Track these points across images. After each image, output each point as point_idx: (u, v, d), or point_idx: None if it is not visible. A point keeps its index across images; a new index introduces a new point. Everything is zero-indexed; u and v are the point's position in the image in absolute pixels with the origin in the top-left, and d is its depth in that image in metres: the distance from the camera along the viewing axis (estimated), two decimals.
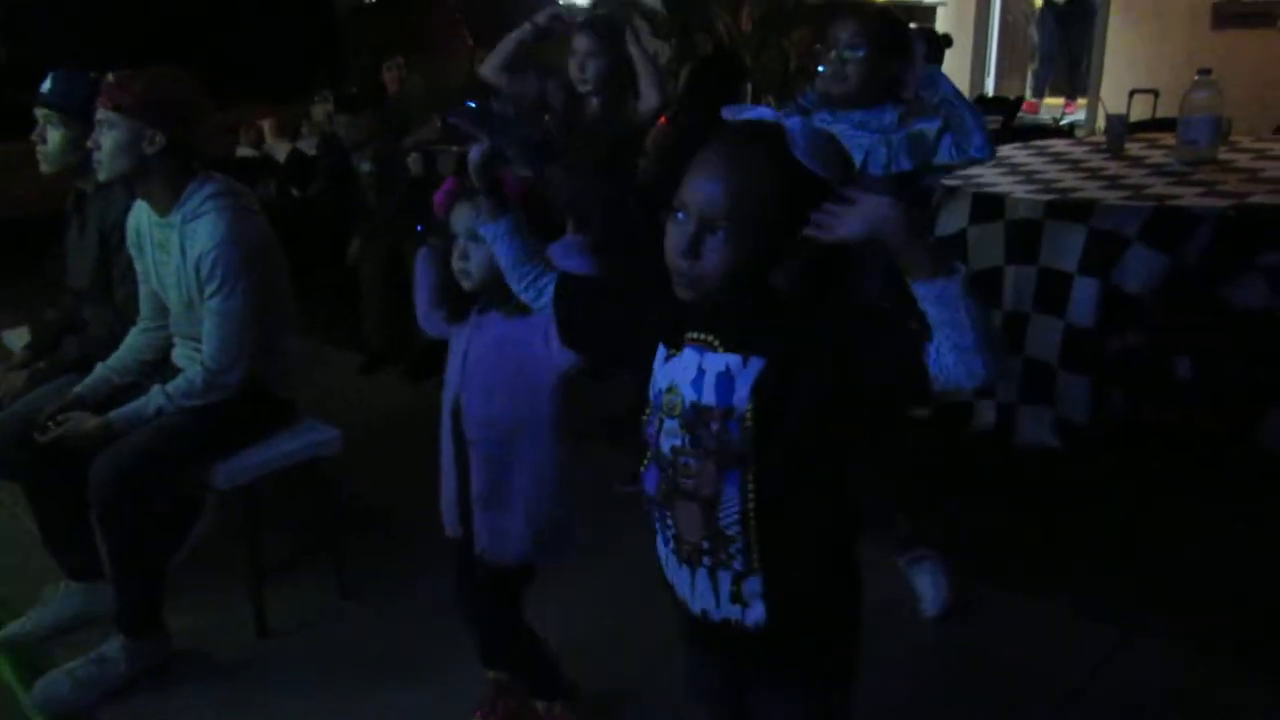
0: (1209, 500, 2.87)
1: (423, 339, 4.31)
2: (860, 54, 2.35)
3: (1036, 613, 2.50)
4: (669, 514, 1.35)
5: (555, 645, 2.10)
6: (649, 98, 3.03)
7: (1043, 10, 7.69)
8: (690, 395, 1.30)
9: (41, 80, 2.61)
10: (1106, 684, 2.26)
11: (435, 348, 3.67)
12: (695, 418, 1.29)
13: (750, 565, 1.31)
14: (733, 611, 1.34)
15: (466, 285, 1.80)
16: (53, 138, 2.58)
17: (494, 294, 1.79)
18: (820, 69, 2.42)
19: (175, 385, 2.37)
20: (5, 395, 2.60)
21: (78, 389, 2.47)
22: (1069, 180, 3.34)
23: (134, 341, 2.58)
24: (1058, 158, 3.78)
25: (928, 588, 2.49)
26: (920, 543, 2.53)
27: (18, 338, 3.10)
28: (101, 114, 2.27)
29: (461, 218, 1.76)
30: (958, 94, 2.30)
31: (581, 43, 3.01)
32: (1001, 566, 2.66)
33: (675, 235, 1.24)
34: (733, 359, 1.27)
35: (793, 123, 1.20)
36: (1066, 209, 3.01)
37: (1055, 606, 2.50)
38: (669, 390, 1.33)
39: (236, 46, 7.24)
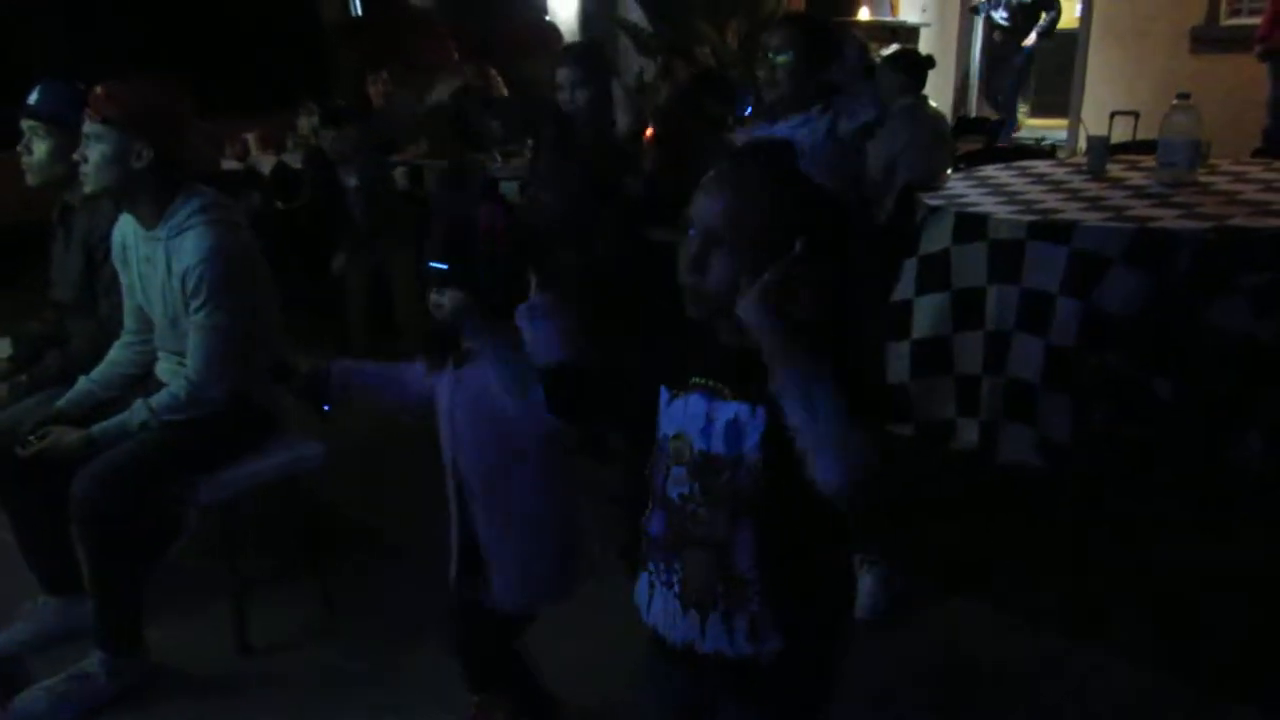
0: (1185, 517, 2.90)
1: (406, 353, 4.36)
2: (788, 57, 2.41)
3: (1016, 633, 2.51)
4: (676, 560, 1.34)
5: (539, 661, 2.09)
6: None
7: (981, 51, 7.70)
8: (699, 444, 1.29)
9: (26, 91, 2.60)
10: (1088, 702, 2.28)
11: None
12: (705, 467, 1.29)
13: (768, 603, 1.31)
14: (746, 648, 1.33)
15: (438, 315, 1.79)
16: (39, 149, 2.57)
17: (470, 341, 1.80)
18: (760, 76, 2.50)
19: (158, 399, 2.35)
20: None
21: (60, 403, 2.45)
22: (1051, 201, 3.36)
23: (117, 355, 2.56)
24: (1040, 178, 3.81)
25: (868, 592, 2.56)
26: (875, 547, 2.61)
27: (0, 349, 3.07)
28: (89, 126, 2.26)
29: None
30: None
31: (564, 74, 3.04)
32: (977, 579, 2.68)
33: (683, 252, 1.27)
34: (742, 408, 1.26)
35: (799, 136, 1.23)
36: (1048, 230, 3.02)
37: (1033, 625, 2.51)
38: (676, 438, 1.32)
39: (223, 58, 7.25)
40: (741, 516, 1.27)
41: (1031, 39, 7.37)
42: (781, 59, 2.43)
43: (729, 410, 1.27)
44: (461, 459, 1.85)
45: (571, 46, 3.29)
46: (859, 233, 1.21)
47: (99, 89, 2.29)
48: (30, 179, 2.61)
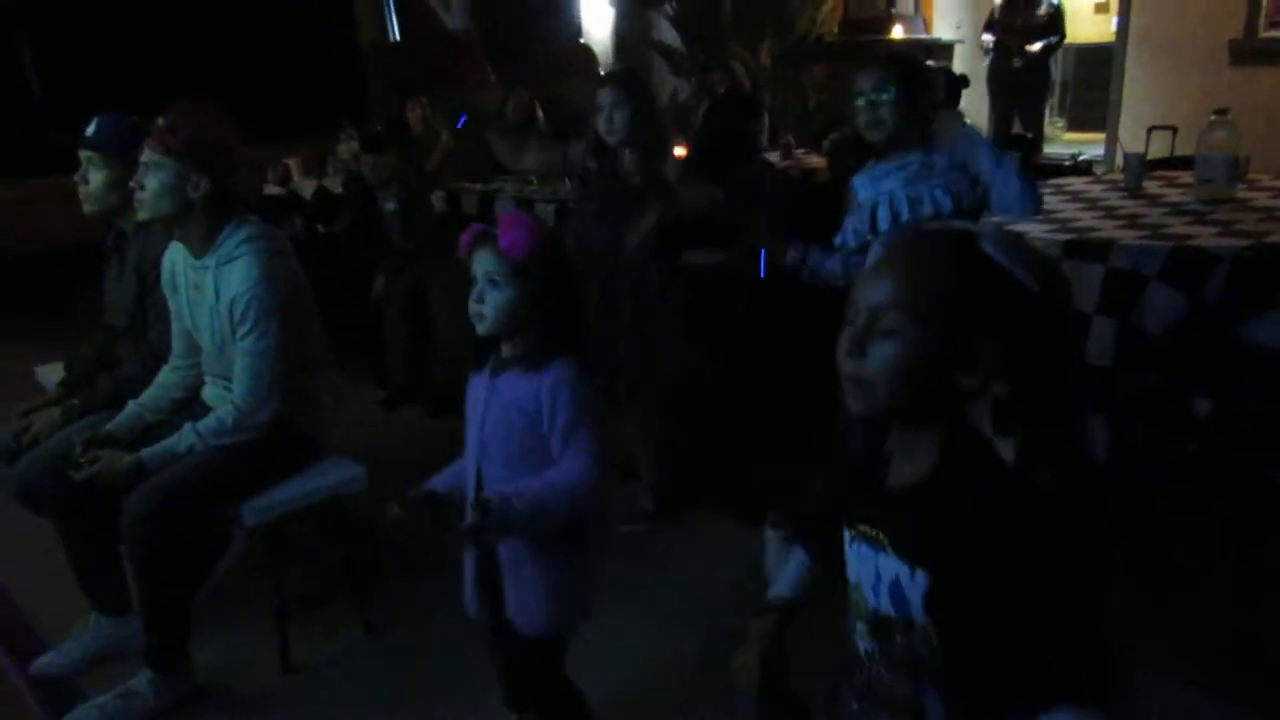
0: (1228, 538, 2.87)
1: (444, 375, 4.41)
2: (889, 95, 2.43)
3: None
4: (872, 714, 1.21)
5: (585, 685, 2.08)
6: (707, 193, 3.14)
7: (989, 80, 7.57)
8: (871, 601, 1.17)
9: (77, 119, 2.69)
10: None
11: (458, 385, 3.70)
12: (879, 626, 1.16)
13: None
14: None
15: (480, 329, 1.80)
16: (95, 179, 2.65)
17: (507, 348, 1.81)
18: (862, 120, 2.51)
19: (206, 424, 2.41)
20: (40, 431, 2.66)
21: (110, 425, 2.52)
22: (1086, 219, 3.36)
23: (165, 379, 2.63)
24: (1075, 196, 3.81)
25: None
26: None
27: (51, 373, 3.15)
28: (149, 155, 2.34)
29: (482, 261, 1.77)
30: (997, 157, 2.39)
31: (605, 96, 3.05)
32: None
33: (843, 339, 1.12)
34: (902, 568, 1.12)
35: (988, 229, 1.08)
36: (1084, 248, 3.02)
37: None
38: (855, 588, 1.20)
39: (263, 84, 7.40)
40: (924, 684, 1.14)
41: (1022, 59, 7.25)
42: (885, 96, 2.45)
43: (891, 568, 1.13)
44: (486, 467, 1.85)
45: (611, 71, 3.32)
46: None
47: (162, 121, 2.36)
48: (86, 207, 2.69)
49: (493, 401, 1.83)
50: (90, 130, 2.64)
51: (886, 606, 1.14)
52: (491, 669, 2.09)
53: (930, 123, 2.52)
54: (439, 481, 1.91)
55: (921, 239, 1.17)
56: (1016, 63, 7.19)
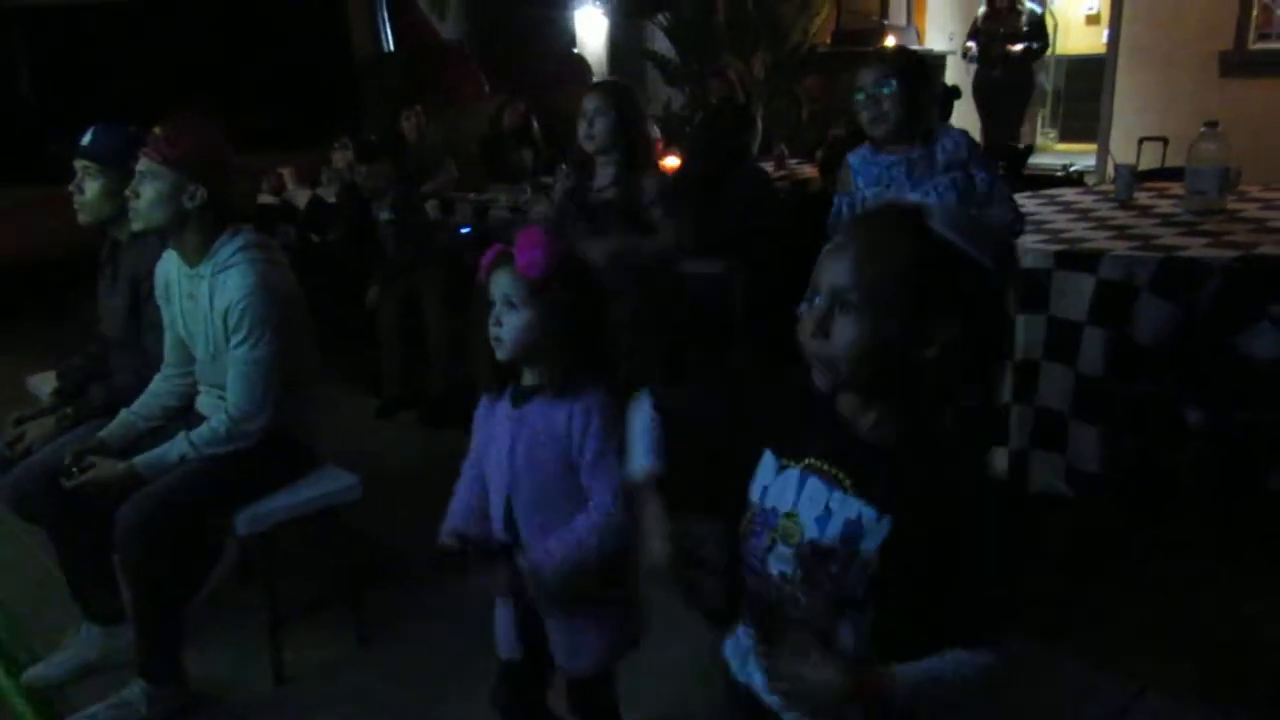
0: (1217, 547, 2.88)
1: (439, 384, 4.42)
2: (891, 89, 2.46)
3: (1047, 662, 2.50)
4: (773, 634, 1.27)
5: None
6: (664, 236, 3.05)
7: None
8: (812, 532, 1.22)
9: (73, 128, 2.69)
10: None
11: (452, 393, 3.68)
12: (813, 556, 1.22)
13: None
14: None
15: (499, 354, 1.71)
16: (91, 188, 2.64)
17: (529, 375, 1.74)
18: (864, 116, 2.54)
19: (199, 433, 2.41)
20: (34, 440, 2.65)
21: (102, 433, 2.52)
22: (1078, 230, 3.37)
23: (158, 388, 2.63)
24: (1067, 207, 3.83)
25: None
26: None
27: (44, 382, 3.15)
28: (145, 165, 2.34)
29: (500, 283, 1.69)
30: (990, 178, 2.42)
31: (590, 101, 3.06)
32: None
33: (806, 319, 1.18)
34: (866, 511, 1.19)
35: (931, 201, 1.17)
36: (1075, 259, 3.04)
37: (1063, 655, 2.50)
38: (788, 516, 1.24)
39: (258, 94, 7.40)
40: (845, 613, 1.21)
41: (1003, 66, 7.28)
42: (887, 90, 2.48)
43: (851, 508, 1.20)
44: (516, 501, 1.76)
45: (599, 81, 3.31)
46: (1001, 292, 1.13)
47: (160, 131, 2.37)
48: (81, 217, 2.69)
49: (520, 433, 1.74)
50: (87, 140, 2.64)
51: (833, 539, 1.20)
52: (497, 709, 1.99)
53: (930, 117, 2.55)
54: (458, 519, 1.84)
55: (875, 219, 1.23)
56: (996, 71, 7.21)
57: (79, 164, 2.64)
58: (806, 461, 1.25)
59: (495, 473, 1.79)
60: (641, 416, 1.48)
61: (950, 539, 1.16)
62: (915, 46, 8.68)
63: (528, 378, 1.75)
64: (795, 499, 1.24)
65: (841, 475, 1.21)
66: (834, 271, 1.16)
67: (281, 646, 2.61)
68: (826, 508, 1.21)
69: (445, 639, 2.67)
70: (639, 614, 1.87)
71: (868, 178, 2.63)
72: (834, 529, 1.20)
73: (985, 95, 7.47)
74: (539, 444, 1.73)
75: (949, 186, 2.43)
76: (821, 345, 1.16)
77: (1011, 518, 1.17)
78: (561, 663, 1.84)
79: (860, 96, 2.51)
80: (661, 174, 3.14)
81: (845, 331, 1.15)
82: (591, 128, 3.04)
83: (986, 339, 1.17)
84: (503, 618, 1.89)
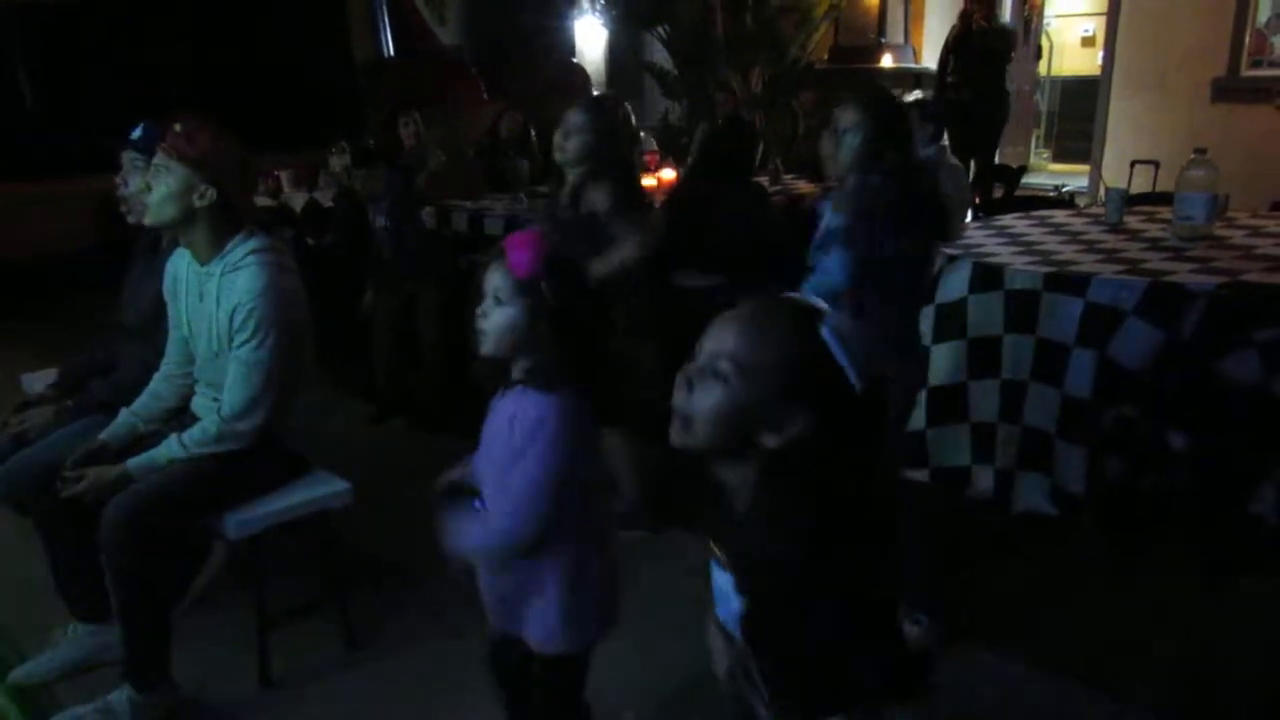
0: (1204, 569, 2.91)
1: (430, 390, 4.43)
2: (857, 137, 2.49)
3: (1027, 678, 2.53)
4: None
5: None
6: (626, 247, 3.04)
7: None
8: (721, 614, 1.33)
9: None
10: None
11: (444, 399, 3.68)
12: (726, 638, 1.35)
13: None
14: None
15: (483, 347, 1.75)
16: (137, 183, 2.66)
17: (516, 370, 1.76)
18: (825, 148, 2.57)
19: (190, 434, 2.42)
20: (32, 429, 2.67)
21: (103, 435, 2.52)
22: (1067, 252, 3.41)
23: (158, 388, 2.64)
24: (1058, 229, 3.87)
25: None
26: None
27: (38, 380, 3.16)
28: (161, 159, 2.36)
29: (492, 278, 1.73)
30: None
31: (572, 116, 3.09)
32: (996, 631, 2.69)
33: (680, 373, 1.24)
34: (731, 588, 1.28)
35: (835, 316, 1.19)
36: (1064, 281, 3.08)
37: (1044, 673, 2.53)
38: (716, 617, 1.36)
39: (258, 97, 7.42)
40: (755, 695, 1.30)
41: (972, 90, 7.11)
42: (851, 139, 2.50)
43: (727, 585, 1.28)
44: (480, 479, 1.82)
45: (591, 99, 3.33)
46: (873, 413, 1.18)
47: (179, 127, 2.38)
48: (131, 216, 2.71)
49: (493, 419, 1.80)
50: (136, 133, 2.65)
51: (729, 621, 1.27)
52: (492, 689, 2.02)
53: (886, 161, 2.56)
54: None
55: (772, 305, 1.25)
56: (966, 94, 7.02)
57: (127, 156, 2.65)
58: (711, 546, 1.31)
59: (477, 465, 1.86)
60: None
61: (796, 614, 1.19)
62: (911, 65, 8.75)
63: (515, 372, 1.79)
64: (717, 594, 1.32)
65: (721, 554, 1.28)
66: (717, 337, 1.21)
67: (269, 650, 2.62)
68: (720, 588, 1.29)
69: (433, 644, 2.68)
70: (609, 599, 1.89)
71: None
72: (725, 609, 1.29)
73: (957, 117, 7.36)
74: (500, 429, 1.77)
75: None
76: (684, 399, 1.21)
77: (829, 601, 1.17)
78: (530, 637, 1.86)
79: (837, 134, 2.54)
80: (614, 183, 3.11)
81: (706, 393, 1.20)
82: (565, 141, 3.08)
83: (836, 443, 1.20)
84: (485, 585, 1.91)
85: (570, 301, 1.74)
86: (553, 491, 1.69)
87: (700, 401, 1.20)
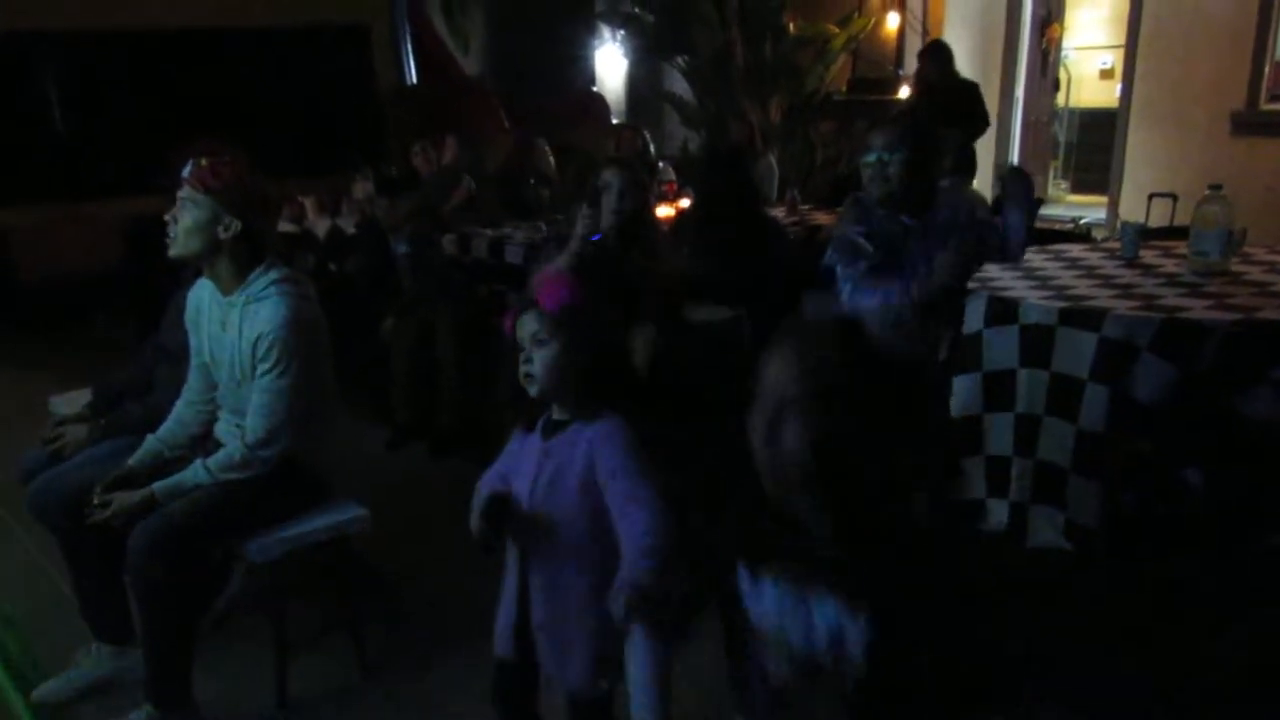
0: (1220, 604, 2.90)
1: (449, 417, 4.47)
2: (900, 155, 2.52)
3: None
4: None
5: None
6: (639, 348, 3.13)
7: None
8: (798, 641, 1.37)
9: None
10: None
11: (461, 425, 3.71)
12: (807, 664, 1.39)
13: None
14: None
15: (533, 390, 1.81)
16: None
17: (558, 410, 1.83)
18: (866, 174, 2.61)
19: (215, 459, 2.47)
20: (66, 446, 2.72)
21: (131, 461, 2.57)
22: (1082, 287, 3.42)
23: (181, 414, 2.69)
24: (1073, 263, 3.87)
25: None
26: None
27: (66, 403, 3.21)
28: (187, 192, 2.42)
29: (526, 325, 1.80)
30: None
31: (616, 178, 3.28)
32: (1016, 670, 2.69)
33: (755, 424, 1.32)
34: (844, 612, 1.33)
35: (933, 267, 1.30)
36: (1078, 317, 3.09)
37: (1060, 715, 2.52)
38: (779, 630, 1.40)
39: (282, 123, 7.53)
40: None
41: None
42: (896, 155, 2.55)
43: (828, 612, 1.29)
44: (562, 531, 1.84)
45: (618, 159, 3.57)
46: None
47: (204, 161, 2.45)
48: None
49: (546, 465, 1.84)
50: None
51: (820, 644, 1.33)
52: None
53: (932, 185, 2.60)
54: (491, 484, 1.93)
55: (823, 335, 1.34)
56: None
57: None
58: (777, 566, 1.36)
59: (518, 493, 1.87)
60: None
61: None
62: None
63: (557, 412, 1.85)
64: (777, 614, 1.36)
65: (812, 576, 1.33)
66: (781, 380, 1.27)
67: (286, 672, 2.65)
68: (807, 617, 1.33)
69: (446, 669, 2.70)
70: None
71: (868, 225, 2.68)
72: (819, 635, 1.32)
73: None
74: (561, 474, 1.81)
75: (956, 250, 2.49)
76: (776, 454, 1.27)
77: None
78: (550, 671, 1.90)
79: (871, 158, 2.57)
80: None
81: (795, 438, 1.24)
82: (620, 202, 3.24)
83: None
84: (503, 618, 1.95)
85: (602, 330, 1.82)
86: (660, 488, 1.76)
87: (792, 445, 1.25)
